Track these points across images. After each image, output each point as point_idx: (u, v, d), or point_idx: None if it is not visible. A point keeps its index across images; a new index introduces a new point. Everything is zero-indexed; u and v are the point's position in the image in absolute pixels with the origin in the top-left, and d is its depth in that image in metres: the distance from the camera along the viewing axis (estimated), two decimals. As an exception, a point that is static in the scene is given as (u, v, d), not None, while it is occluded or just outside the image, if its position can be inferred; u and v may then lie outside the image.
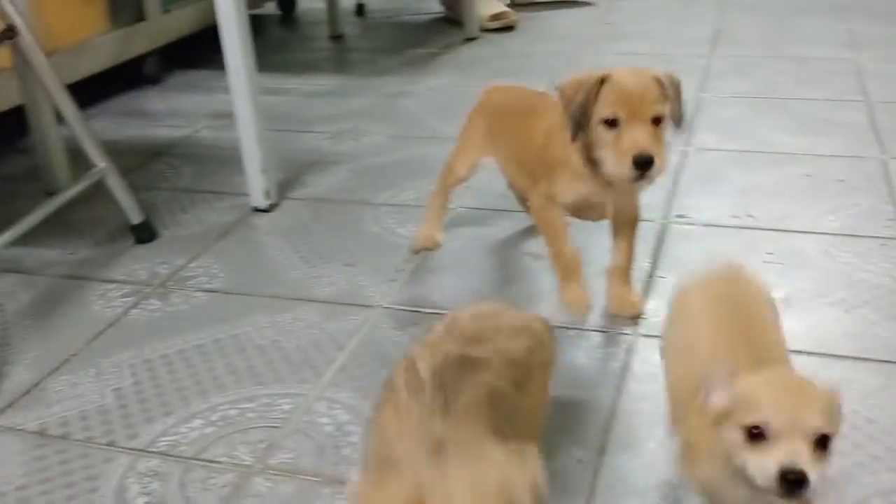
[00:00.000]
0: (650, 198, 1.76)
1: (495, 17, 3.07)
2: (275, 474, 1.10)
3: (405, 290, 1.50)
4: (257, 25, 3.42)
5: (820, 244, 1.56)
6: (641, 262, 1.52)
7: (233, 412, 1.22)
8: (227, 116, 1.77)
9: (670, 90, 1.19)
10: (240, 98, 1.72)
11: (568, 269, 1.35)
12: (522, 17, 3.20)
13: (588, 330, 1.35)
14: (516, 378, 0.90)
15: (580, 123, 1.20)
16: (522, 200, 1.61)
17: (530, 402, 0.94)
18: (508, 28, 3.09)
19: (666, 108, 1.18)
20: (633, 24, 3.11)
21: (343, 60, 2.92)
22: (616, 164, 1.17)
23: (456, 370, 0.85)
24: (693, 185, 1.83)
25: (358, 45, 3.08)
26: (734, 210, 1.70)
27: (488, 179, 1.79)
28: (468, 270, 1.55)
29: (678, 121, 1.21)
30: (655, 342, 1.31)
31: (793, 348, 1.27)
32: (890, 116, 2.11)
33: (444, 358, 0.86)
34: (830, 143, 1.99)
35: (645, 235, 1.61)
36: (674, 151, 1.98)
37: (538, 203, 1.35)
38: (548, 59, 2.73)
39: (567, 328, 1.35)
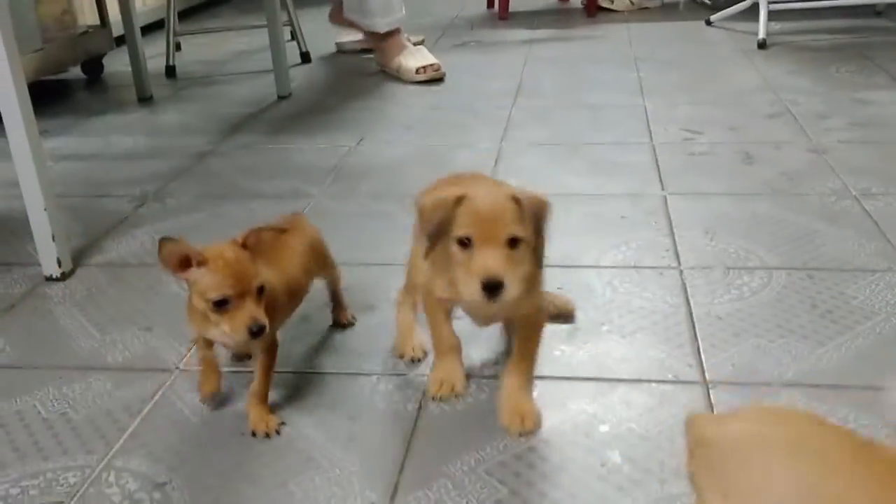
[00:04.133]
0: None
1: (422, 69, 3.13)
2: (55, 552, 1.05)
3: (204, 350, 1.47)
4: (62, 89, 3.32)
5: (604, 277, 1.66)
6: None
7: (14, 491, 1.16)
8: (17, 185, 1.69)
9: (527, 212, 1.16)
10: (23, 165, 1.66)
11: (443, 351, 1.34)
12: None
13: (387, 374, 1.38)
14: None
15: (435, 243, 1.18)
16: None
17: None
18: (437, 80, 3.14)
19: (522, 229, 1.14)
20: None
21: (151, 123, 2.87)
22: (466, 285, 1.15)
23: None
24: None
25: (167, 107, 3.03)
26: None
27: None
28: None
29: (532, 244, 1.17)
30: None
31: (576, 375, 1.36)
32: (670, 156, 2.29)
33: None
34: (617, 182, 2.13)
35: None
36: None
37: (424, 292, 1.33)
38: (359, 115, 2.79)
39: (367, 375, 1.38)
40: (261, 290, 1.19)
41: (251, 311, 1.15)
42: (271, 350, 1.28)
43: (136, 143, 2.63)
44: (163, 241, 1.16)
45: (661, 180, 2.14)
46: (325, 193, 2.14)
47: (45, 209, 1.70)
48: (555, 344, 1.44)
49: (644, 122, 2.60)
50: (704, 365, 1.37)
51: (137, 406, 1.33)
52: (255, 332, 1.15)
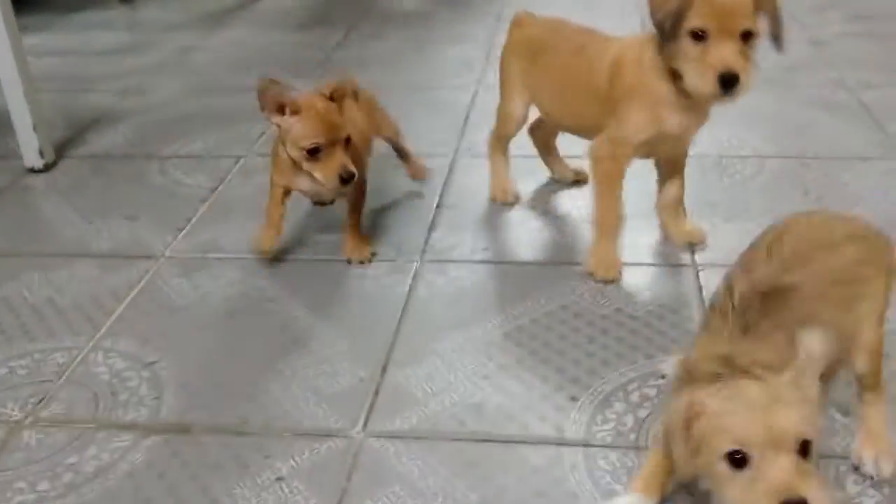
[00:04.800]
0: (441, 134, 1.81)
1: None
2: (46, 426, 1.05)
3: (191, 238, 1.46)
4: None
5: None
6: (432, 196, 1.56)
7: (2, 371, 1.16)
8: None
9: (766, 4, 1.12)
10: (1, 56, 1.61)
11: (610, 229, 1.28)
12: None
13: (378, 261, 1.37)
14: (842, 296, 0.87)
15: (668, 34, 1.12)
16: (543, 149, 1.55)
17: (868, 312, 0.89)
18: None
19: (758, 23, 1.11)
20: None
21: (133, 19, 2.79)
22: (699, 79, 1.10)
23: (764, 297, 0.83)
24: (483, 120, 1.87)
25: (148, 4, 2.94)
26: (520, 140, 1.76)
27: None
28: (258, 214, 1.52)
29: (777, 37, 1.14)
30: (439, 266, 1.35)
31: (570, 260, 1.34)
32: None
33: (753, 285, 0.83)
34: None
35: (435, 170, 1.64)
36: (464, 90, 2.03)
37: (604, 150, 1.25)
38: (346, 8, 2.71)
39: (360, 262, 1.37)
40: (348, 140, 1.24)
41: (341, 159, 1.22)
42: (361, 187, 1.35)
43: (117, 39, 2.56)
44: (264, 80, 1.22)
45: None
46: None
47: (25, 96, 1.65)
48: (545, 231, 1.43)
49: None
50: (695, 252, 1.36)
51: (124, 291, 1.32)
52: (346, 178, 1.22)
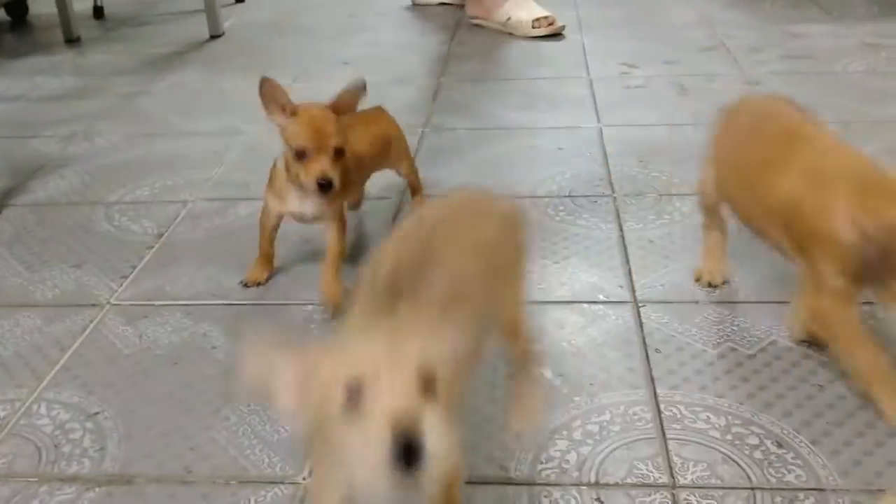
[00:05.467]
0: (388, 178, 1.83)
1: (539, 21, 2.77)
2: (-14, 482, 1.04)
3: (137, 285, 1.45)
4: (-18, 31, 3.19)
5: (539, 206, 1.68)
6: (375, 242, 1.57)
7: (-59, 427, 1.14)
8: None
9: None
10: (-60, 100, 1.60)
11: (885, 380, 1.06)
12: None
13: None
14: (484, 274, 0.86)
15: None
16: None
17: (506, 284, 0.90)
18: (556, 35, 2.77)
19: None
20: (377, 18, 3.18)
21: (79, 64, 2.78)
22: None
23: (414, 264, 0.82)
24: (433, 159, 1.90)
25: (95, 48, 2.94)
26: (470, 180, 1.79)
27: (225, 171, 1.79)
28: (205, 259, 1.53)
29: None
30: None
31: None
32: (607, 90, 2.30)
33: (396, 264, 0.82)
34: (555, 116, 2.14)
35: (382, 213, 1.67)
36: (411, 133, 2.06)
37: (824, 304, 1.05)
38: (293, 52, 2.74)
39: (332, 307, 1.37)
40: (340, 152, 1.28)
41: (323, 165, 1.25)
42: (340, 220, 1.38)
43: (63, 84, 2.54)
44: (264, 79, 1.28)
45: (597, 113, 2.15)
46: (261, 130, 2.10)
47: (-34, 146, 1.65)
48: (490, 270, 1.46)
49: (582, 56, 2.59)
50: (635, 286, 1.39)
51: (68, 340, 1.31)
52: (323, 185, 1.25)
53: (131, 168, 1.91)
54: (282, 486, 1.01)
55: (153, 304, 1.39)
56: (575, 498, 0.98)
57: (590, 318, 1.32)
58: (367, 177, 1.57)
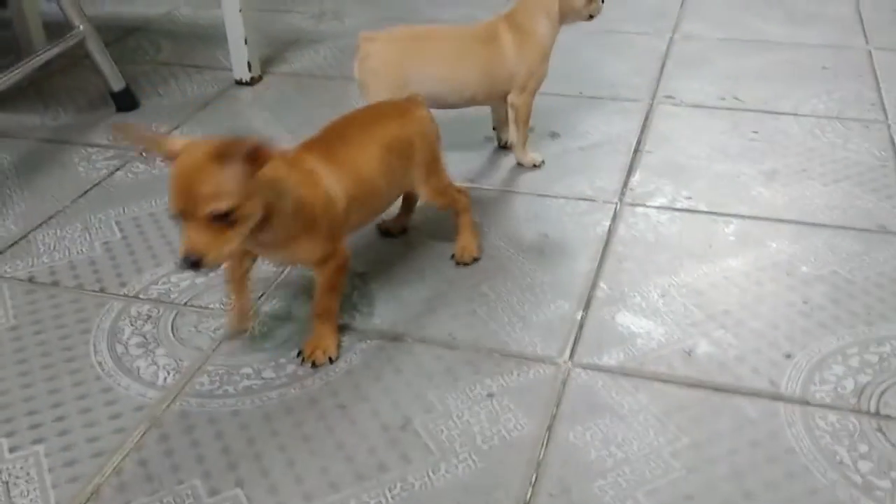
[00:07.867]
0: (637, 79, 1.77)
1: None
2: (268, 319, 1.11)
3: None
4: None
5: (804, 125, 1.57)
6: (628, 140, 1.53)
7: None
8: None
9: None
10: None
11: None
12: None
13: (575, 199, 1.36)
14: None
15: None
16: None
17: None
18: None
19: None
20: None
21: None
22: None
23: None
24: (680, 69, 1.82)
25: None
26: (721, 92, 1.71)
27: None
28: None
29: None
30: (639, 210, 1.34)
31: (777, 217, 1.31)
32: (876, 10, 2.11)
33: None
34: (817, 33, 1.98)
35: (632, 114, 1.62)
36: (660, 38, 1.97)
37: None
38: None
39: (555, 197, 1.37)
40: (226, 215, 0.85)
41: (190, 238, 0.86)
42: (329, 266, 1.01)
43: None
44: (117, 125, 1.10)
45: (864, 33, 1.98)
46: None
47: (241, 10, 1.72)
48: (752, 185, 1.39)
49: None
50: (916, 219, 1.29)
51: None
52: (187, 263, 0.86)
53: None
54: (544, 366, 1.02)
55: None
56: (853, 424, 0.93)
57: (866, 244, 1.23)
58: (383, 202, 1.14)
